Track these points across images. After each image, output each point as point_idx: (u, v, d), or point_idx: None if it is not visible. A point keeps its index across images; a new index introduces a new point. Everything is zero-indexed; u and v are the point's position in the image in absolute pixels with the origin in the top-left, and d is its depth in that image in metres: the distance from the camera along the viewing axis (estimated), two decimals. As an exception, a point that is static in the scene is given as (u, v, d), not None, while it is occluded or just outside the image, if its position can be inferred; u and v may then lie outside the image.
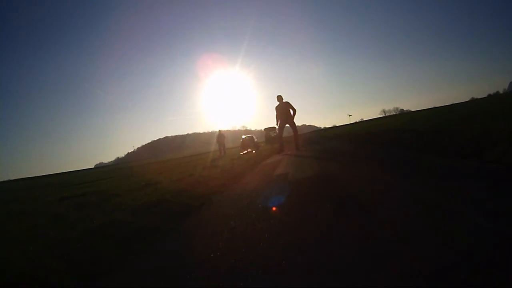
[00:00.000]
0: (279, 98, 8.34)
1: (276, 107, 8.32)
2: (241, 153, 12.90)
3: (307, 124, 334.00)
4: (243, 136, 21.92)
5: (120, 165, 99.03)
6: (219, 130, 16.07)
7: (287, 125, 8.38)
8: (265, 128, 23.31)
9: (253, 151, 12.52)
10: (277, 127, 8.69)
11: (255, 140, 21.77)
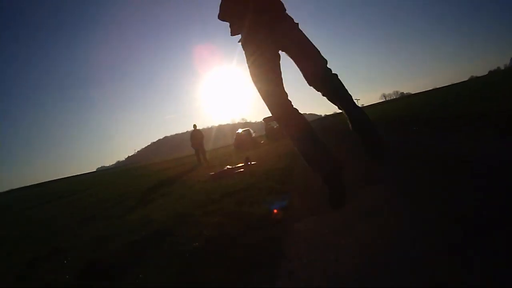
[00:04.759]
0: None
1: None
2: (212, 173, 4.69)
3: (307, 113, 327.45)
4: (238, 131, 17.51)
5: (120, 168, 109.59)
6: (194, 125, 10.04)
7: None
8: (264, 118, 18.53)
9: (241, 169, 4.56)
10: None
11: (253, 135, 17.45)
